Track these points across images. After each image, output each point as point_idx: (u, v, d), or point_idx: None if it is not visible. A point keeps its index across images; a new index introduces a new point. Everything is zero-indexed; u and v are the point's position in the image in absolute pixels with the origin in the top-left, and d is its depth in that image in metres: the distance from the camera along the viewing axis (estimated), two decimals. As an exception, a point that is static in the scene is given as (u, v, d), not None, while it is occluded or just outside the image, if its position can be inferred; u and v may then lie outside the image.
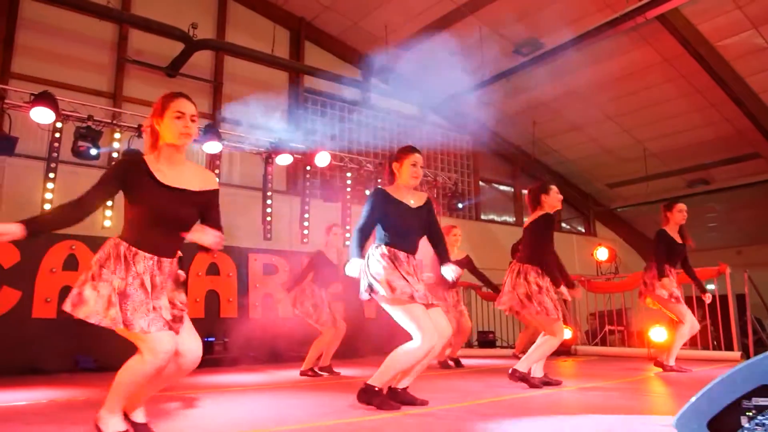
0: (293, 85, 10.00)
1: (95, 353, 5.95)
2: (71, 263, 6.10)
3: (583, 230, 13.92)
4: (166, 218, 2.38)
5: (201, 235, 2.36)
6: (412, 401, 3.29)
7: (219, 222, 2.53)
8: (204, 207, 2.50)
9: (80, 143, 5.65)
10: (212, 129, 6.55)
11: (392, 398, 3.25)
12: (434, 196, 8.86)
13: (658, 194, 12.33)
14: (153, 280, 2.33)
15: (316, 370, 5.32)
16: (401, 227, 3.35)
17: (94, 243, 6.23)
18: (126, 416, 2.42)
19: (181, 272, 2.52)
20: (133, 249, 2.33)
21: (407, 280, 3.18)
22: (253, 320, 6.89)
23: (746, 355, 5.96)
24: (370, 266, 3.26)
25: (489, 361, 6.26)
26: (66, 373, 5.67)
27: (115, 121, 6.22)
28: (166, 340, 2.26)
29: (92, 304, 2.28)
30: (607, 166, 12.51)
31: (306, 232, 7.62)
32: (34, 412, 3.38)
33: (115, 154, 6.17)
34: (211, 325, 6.59)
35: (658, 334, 6.38)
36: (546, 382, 4.25)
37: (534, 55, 8.85)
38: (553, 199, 4.37)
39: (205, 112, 9.11)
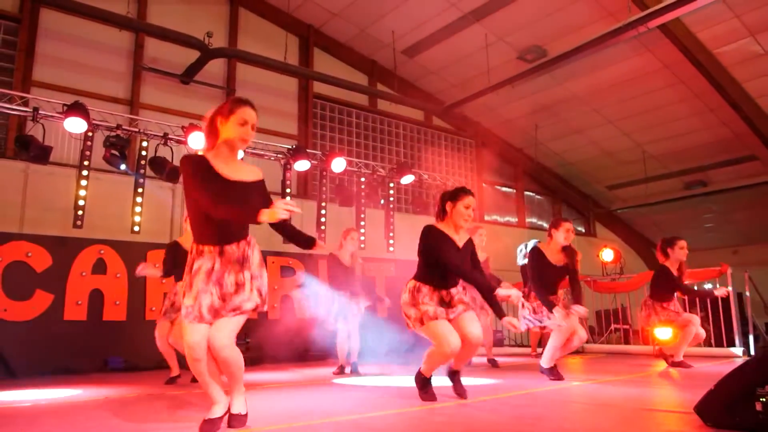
0: (303, 92, 10.23)
1: (124, 354, 6.18)
2: (100, 267, 6.32)
3: (584, 230, 14.22)
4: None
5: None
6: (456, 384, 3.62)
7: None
8: (257, 195, 2.77)
9: (112, 151, 5.86)
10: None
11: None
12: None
13: (656, 196, 12.66)
14: (213, 266, 2.62)
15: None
16: (445, 262, 3.46)
17: (122, 247, 6.49)
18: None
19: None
20: (200, 246, 2.65)
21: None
22: (273, 321, 7.13)
23: (747, 352, 6.24)
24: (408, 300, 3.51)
25: (501, 359, 6.51)
26: (96, 373, 5.89)
27: (142, 130, 6.43)
28: (195, 330, 2.57)
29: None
30: (607, 168, 12.80)
31: (323, 236, 7.83)
32: (94, 407, 3.60)
33: (142, 162, 6.37)
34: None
35: (663, 332, 6.65)
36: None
37: (538, 63, 9.11)
38: (561, 235, 4.60)
39: (219, 118, 9.34)
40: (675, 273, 5.38)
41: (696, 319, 5.29)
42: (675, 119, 10.79)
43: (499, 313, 3.54)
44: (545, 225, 13.51)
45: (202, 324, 2.57)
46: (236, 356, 2.64)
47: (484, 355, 6.24)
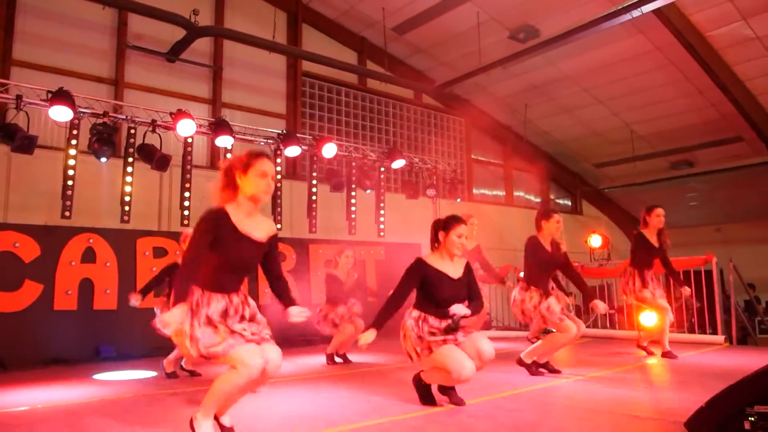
0: (291, 70, 10.05)
1: (116, 343, 6.18)
2: (89, 256, 6.26)
3: (570, 203, 14.37)
4: (243, 264, 2.74)
5: (290, 317, 2.76)
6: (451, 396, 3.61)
7: (279, 264, 2.93)
8: (267, 252, 2.84)
9: (97, 141, 5.73)
10: (223, 123, 6.65)
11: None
12: (434, 182, 9.09)
13: (643, 175, 12.76)
14: (228, 311, 2.67)
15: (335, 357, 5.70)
16: (439, 298, 3.47)
17: (111, 235, 6.43)
18: (216, 419, 2.76)
19: (251, 301, 2.81)
20: (206, 293, 2.66)
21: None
22: (264, 307, 7.13)
23: (729, 340, 6.42)
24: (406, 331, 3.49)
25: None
26: (88, 362, 5.89)
27: (129, 116, 6.29)
28: (254, 351, 2.60)
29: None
30: (596, 147, 12.85)
31: (314, 215, 7.80)
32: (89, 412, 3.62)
33: (131, 149, 6.25)
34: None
35: (647, 318, 6.81)
36: (546, 368, 4.69)
37: (530, 45, 9.02)
38: (552, 227, 4.68)
39: (206, 97, 9.16)
40: (654, 242, 5.50)
41: (668, 306, 5.46)
42: (664, 100, 10.81)
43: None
44: (533, 199, 13.63)
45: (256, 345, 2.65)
46: None
47: None
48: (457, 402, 3.56)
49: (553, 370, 4.71)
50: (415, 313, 3.53)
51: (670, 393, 4.00)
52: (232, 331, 2.61)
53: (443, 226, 3.61)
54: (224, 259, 2.66)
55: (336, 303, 5.73)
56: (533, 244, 4.70)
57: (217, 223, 2.66)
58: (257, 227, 2.76)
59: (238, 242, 2.68)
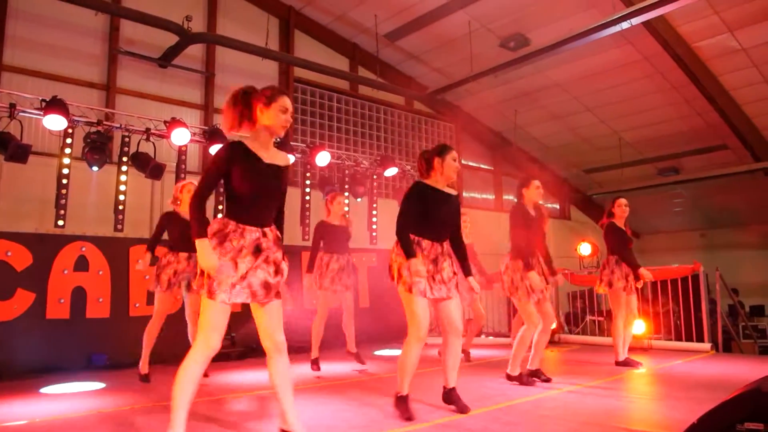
0: (283, 76, 10.06)
1: (108, 351, 6.17)
2: (82, 264, 6.24)
3: (558, 208, 14.52)
4: (270, 192, 2.88)
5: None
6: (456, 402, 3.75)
7: (284, 195, 3.08)
8: (284, 180, 3.01)
9: (92, 149, 5.72)
10: (217, 132, 6.67)
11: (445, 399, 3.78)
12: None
13: (631, 181, 12.94)
14: (260, 246, 2.80)
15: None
16: (436, 218, 3.69)
17: (104, 243, 6.41)
18: None
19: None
20: (241, 226, 2.79)
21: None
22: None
23: (716, 347, 6.55)
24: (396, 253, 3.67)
25: (478, 351, 6.70)
26: (81, 371, 5.87)
27: (123, 125, 6.28)
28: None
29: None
30: (584, 153, 13.00)
31: (307, 222, 7.82)
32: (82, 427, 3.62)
33: (124, 158, 6.23)
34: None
35: (636, 325, 6.93)
36: (537, 376, 4.78)
37: (521, 54, 9.12)
38: (533, 193, 4.77)
39: (198, 103, 9.15)
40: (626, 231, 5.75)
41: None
42: (651, 108, 10.98)
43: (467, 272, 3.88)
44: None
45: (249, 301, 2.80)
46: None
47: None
48: (462, 408, 3.66)
49: (545, 379, 4.79)
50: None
51: (660, 404, 4.09)
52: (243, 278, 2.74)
53: (438, 152, 3.79)
54: (252, 189, 2.78)
55: (329, 251, 5.48)
56: (518, 210, 4.71)
57: (238, 154, 2.79)
58: (275, 156, 2.94)
59: (263, 171, 2.82)
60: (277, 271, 2.85)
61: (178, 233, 5.01)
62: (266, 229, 2.85)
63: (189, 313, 5.11)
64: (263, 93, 2.90)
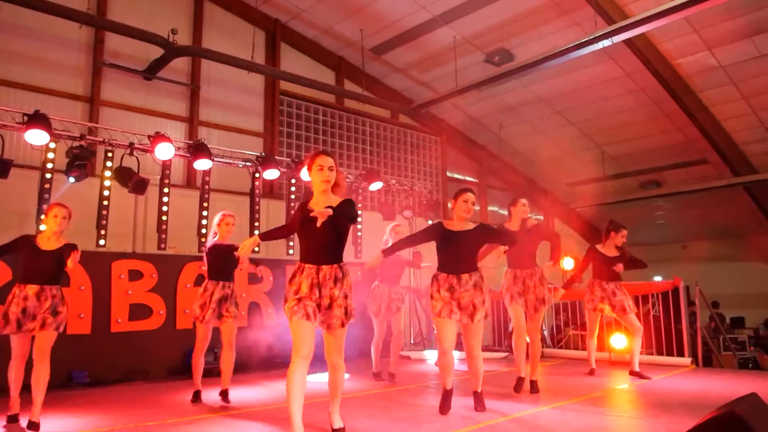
0: (269, 88, 10.08)
1: (89, 368, 6.08)
2: (63, 279, 6.09)
3: (541, 219, 14.64)
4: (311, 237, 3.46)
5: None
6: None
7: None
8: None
9: (74, 165, 5.68)
10: (202, 146, 6.65)
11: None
12: (410, 203, 9.20)
13: (613, 194, 13.11)
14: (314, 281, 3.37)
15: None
16: (445, 252, 4.27)
17: (86, 258, 6.29)
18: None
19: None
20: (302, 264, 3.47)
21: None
22: (241, 329, 7.12)
23: (696, 362, 6.64)
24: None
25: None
26: (61, 389, 5.78)
27: (106, 139, 6.24)
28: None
29: None
30: (568, 167, 13.14)
31: (291, 243, 7.83)
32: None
33: (108, 173, 6.19)
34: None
35: (618, 340, 7.02)
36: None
37: (505, 70, 9.23)
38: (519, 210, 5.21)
39: (183, 115, 9.13)
40: (607, 253, 6.08)
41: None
42: (633, 123, 11.15)
43: None
44: (506, 214, 13.84)
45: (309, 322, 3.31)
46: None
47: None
48: (479, 408, 4.32)
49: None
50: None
51: (640, 423, 4.14)
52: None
53: (453, 196, 4.41)
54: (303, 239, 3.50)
55: (389, 282, 5.93)
56: (500, 228, 5.18)
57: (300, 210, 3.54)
58: (322, 204, 3.40)
59: (307, 222, 3.36)
60: (331, 305, 3.38)
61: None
62: (322, 267, 3.43)
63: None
64: (306, 160, 3.77)
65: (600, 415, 4.32)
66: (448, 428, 3.78)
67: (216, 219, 5.03)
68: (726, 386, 5.27)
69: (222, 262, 4.92)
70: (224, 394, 4.96)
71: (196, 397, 4.98)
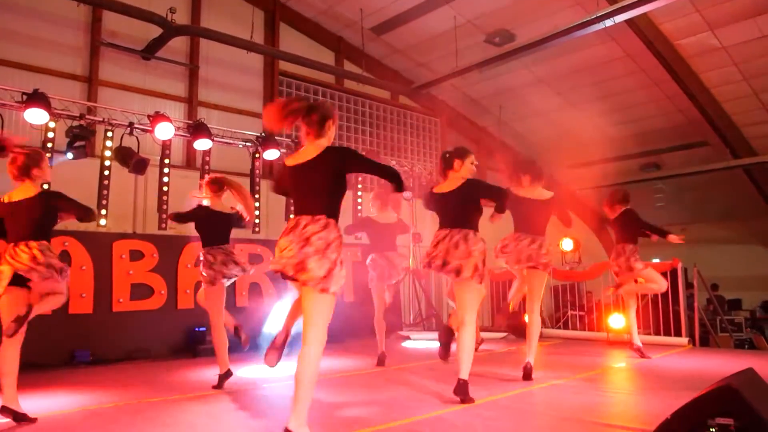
0: (268, 68, 10.01)
1: (91, 347, 6.14)
2: (64, 258, 6.13)
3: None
4: None
5: None
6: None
7: None
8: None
9: (74, 146, 5.66)
10: (202, 126, 6.63)
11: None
12: (410, 184, 9.20)
13: (613, 177, 13.08)
14: None
15: None
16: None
17: (88, 239, 6.36)
18: None
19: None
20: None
21: None
22: (240, 309, 7.17)
23: (693, 341, 6.71)
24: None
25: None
26: (64, 367, 5.85)
27: (106, 119, 6.22)
28: None
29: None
30: (568, 149, 13.10)
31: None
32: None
33: (108, 153, 6.18)
34: (202, 315, 6.83)
35: (616, 320, 7.07)
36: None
37: (506, 50, 9.17)
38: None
39: (182, 96, 9.08)
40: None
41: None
42: (634, 105, 11.11)
43: None
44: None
45: None
46: None
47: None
48: (466, 400, 3.87)
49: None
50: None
51: (637, 399, 4.19)
52: None
53: (459, 155, 4.34)
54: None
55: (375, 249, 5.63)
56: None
57: None
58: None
59: None
60: None
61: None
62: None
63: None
64: (335, 113, 3.31)
65: (597, 391, 4.38)
66: (445, 406, 3.82)
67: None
68: (723, 364, 5.33)
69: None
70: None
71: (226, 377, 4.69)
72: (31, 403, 4.18)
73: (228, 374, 4.69)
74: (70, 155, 6.05)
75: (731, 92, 10.12)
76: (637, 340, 5.90)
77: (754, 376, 3.08)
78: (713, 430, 2.66)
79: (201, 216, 4.73)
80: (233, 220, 4.76)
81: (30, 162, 3.66)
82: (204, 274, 4.61)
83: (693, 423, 2.71)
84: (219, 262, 4.60)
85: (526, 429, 3.37)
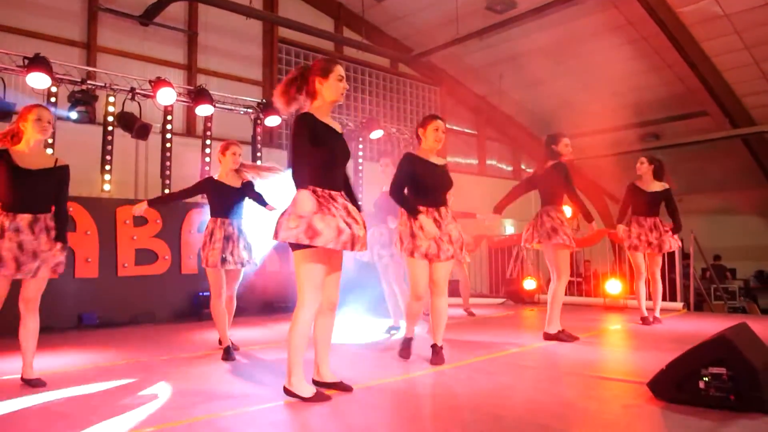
0: (267, 35, 9.94)
1: (98, 310, 6.24)
2: (69, 224, 6.21)
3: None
4: (344, 159, 3.08)
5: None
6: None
7: None
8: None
9: (78, 108, 5.67)
10: (203, 92, 6.63)
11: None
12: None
13: (612, 146, 13.12)
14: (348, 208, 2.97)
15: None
16: (427, 185, 3.84)
17: (91, 205, 6.41)
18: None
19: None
20: (327, 190, 2.90)
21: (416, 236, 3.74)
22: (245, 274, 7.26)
23: (687, 306, 6.85)
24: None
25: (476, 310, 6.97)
26: (72, 330, 5.96)
27: (107, 84, 6.21)
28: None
29: (326, 234, 2.78)
30: (567, 118, 13.09)
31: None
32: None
33: (110, 118, 6.18)
34: (205, 279, 6.93)
35: (612, 286, 7.20)
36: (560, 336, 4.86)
37: (507, 17, 9.11)
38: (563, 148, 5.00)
39: (181, 63, 9.03)
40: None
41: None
42: (634, 73, 11.05)
43: None
44: (505, 168, 13.91)
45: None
46: None
47: (460, 305, 6.70)
48: (436, 362, 3.83)
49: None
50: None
51: (633, 356, 4.33)
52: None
53: (421, 123, 4.00)
54: (330, 156, 2.93)
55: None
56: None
57: (313, 124, 2.89)
58: (334, 124, 3.08)
59: (334, 139, 2.98)
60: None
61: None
62: (342, 193, 3.02)
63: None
64: (316, 66, 3.02)
65: (595, 349, 4.51)
66: (455, 360, 3.94)
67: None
68: (716, 326, 5.38)
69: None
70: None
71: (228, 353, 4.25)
72: (45, 362, 4.29)
73: (232, 348, 4.37)
74: (74, 114, 6.02)
75: (732, 61, 10.11)
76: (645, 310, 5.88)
77: (748, 329, 3.19)
78: (707, 378, 2.78)
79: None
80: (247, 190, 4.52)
81: None
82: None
83: (688, 371, 2.84)
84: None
85: (526, 382, 3.49)
